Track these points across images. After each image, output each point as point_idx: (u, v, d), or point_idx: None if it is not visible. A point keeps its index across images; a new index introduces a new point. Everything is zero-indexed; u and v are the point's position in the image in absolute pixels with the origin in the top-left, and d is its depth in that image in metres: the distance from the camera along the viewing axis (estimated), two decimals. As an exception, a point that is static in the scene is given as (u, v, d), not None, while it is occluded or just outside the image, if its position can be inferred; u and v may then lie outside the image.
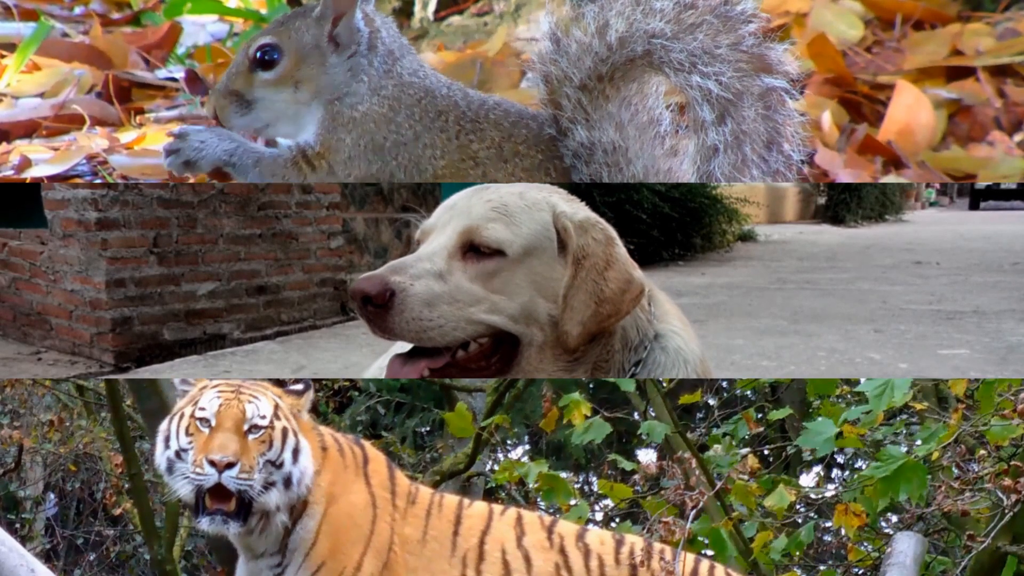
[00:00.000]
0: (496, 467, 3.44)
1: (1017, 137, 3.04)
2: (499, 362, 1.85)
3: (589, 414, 2.73)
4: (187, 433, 1.87)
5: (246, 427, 1.86)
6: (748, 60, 2.16)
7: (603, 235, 1.88)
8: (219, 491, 1.82)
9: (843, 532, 2.61)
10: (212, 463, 1.81)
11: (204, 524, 1.84)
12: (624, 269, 1.87)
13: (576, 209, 1.90)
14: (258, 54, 2.26)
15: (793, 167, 2.22)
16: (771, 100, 2.18)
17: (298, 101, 2.27)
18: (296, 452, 1.90)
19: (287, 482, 1.88)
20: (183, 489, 1.85)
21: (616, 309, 1.84)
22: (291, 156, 2.31)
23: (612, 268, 1.85)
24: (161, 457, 1.89)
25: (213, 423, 1.85)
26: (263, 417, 1.88)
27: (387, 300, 1.74)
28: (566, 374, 1.88)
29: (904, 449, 2.46)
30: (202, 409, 1.87)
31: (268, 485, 1.86)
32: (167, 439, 1.89)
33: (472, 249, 1.82)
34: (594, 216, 1.92)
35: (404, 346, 1.88)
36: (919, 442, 2.48)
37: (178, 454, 1.87)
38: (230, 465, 1.81)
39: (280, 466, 1.87)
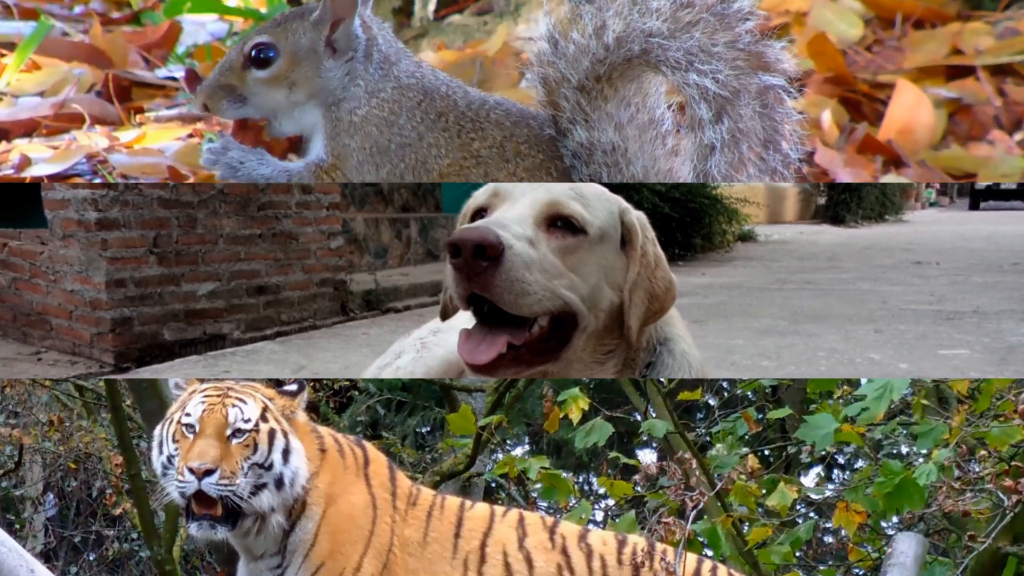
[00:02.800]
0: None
1: (1017, 136, 3.04)
2: (556, 346, 1.80)
3: (587, 408, 2.73)
4: (174, 439, 1.88)
5: (228, 432, 1.86)
6: (745, 58, 2.15)
7: (652, 235, 1.93)
8: (203, 497, 1.82)
9: (843, 532, 2.61)
10: (191, 471, 1.81)
11: (192, 530, 1.85)
12: (667, 269, 1.92)
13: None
14: (253, 52, 2.25)
15: (791, 166, 2.22)
16: (768, 98, 2.17)
17: (293, 102, 2.27)
18: (287, 453, 1.89)
19: (279, 483, 1.88)
20: (173, 494, 1.85)
21: (661, 307, 1.88)
22: (310, 173, 2.31)
23: (660, 267, 1.89)
24: (156, 462, 1.91)
25: (197, 429, 1.86)
26: (247, 420, 1.87)
27: (499, 254, 1.64)
28: (598, 367, 1.89)
29: (904, 450, 2.46)
30: (188, 415, 1.88)
31: (259, 487, 1.86)
32: (160, 444, 1.90)
33: (552, 223, 1.79)
34: (645, 217, 1.95)
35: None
36: (921, 450, 2.48)
37: (169, 460, 1.88)
38: (209, 472, 1.81)
39: (269, 468, 1.87)
